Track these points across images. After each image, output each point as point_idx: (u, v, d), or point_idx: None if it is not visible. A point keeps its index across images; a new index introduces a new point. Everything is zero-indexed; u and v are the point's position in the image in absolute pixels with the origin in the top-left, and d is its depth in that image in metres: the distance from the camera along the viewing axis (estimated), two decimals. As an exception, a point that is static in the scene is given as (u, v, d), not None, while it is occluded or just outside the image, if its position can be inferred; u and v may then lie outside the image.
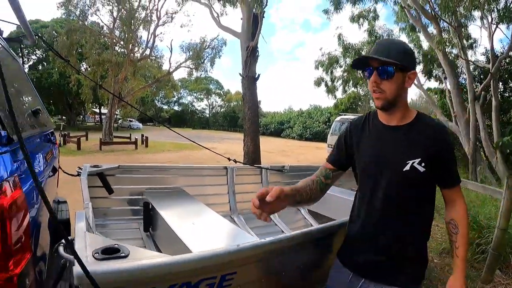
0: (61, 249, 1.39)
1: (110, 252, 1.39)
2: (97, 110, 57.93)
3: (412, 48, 1.78)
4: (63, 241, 1.40)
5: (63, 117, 51.85)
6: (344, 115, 21.04)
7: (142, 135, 26.29)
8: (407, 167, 1.67)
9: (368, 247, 1.80)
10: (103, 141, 22.81)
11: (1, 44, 2.41)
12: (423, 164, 1.66)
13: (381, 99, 1.69)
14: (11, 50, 2.88)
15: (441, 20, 11.64)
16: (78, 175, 3.30)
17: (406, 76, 1.68)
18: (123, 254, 1.40)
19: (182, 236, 2.63)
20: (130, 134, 28.58)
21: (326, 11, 15.72)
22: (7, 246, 1.19)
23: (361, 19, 16.86)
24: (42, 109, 2.80)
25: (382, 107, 1.72)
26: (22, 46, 3.66)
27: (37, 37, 3.53)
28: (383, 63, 1.64)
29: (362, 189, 1.87)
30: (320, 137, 44.50)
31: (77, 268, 1.23)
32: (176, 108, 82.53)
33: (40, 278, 1.54)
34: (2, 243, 1.18)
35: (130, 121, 55.49)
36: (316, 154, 23.88)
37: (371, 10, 16.75)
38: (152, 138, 27.39)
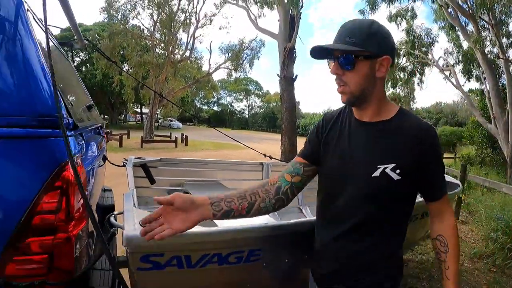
0: (112, 218, 1.64)
1: (154, 222, 1.63)
2: (138, 110, 59.44)
3: (384, 28, 1.44)
4: (114, 212, 1.66)
5: (106, 116, 53.47)
6: None
7: (182, 134, 26.91)
8: (377, 173, 1.40)
9: (327, 262, 1.59)
10: (144, 139, 23.52)
11: (56, 46, 2.71)
12: (398, 171, 1.38)
13: (346, 93, 1.44)
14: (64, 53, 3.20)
15: (480, 18, 11.41)
16: (124, 165, 3.59)
17: (376, 64, 1.40)
18: (166, 225, 1.63)
19: (218, 223, 2.84)
20: (171, 133, 29.27)
21: (362, 12, 15.68)
22: (69, 212, 1.45)
23: (398, 18, 16.68)
24: (93, 105, 3.10)
25: (348, 102, 1.48)
26: (72, 49, 3.97)
27: (86, 41, 3.82)
28: (343, 51, 1.39)
29: (325, 194, 1.62)
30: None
31: (126, 233, 1.48)
32: (215, 108, 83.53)
33: (89, 247, 1.79)
34: (65, 209, 1.44)
35: (171, 120, 56.58)
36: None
37: (409, 9, 16.55)
38: (191, 137, 27.94)
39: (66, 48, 4.03)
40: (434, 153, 1.44)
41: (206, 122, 69.42)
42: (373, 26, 1.40)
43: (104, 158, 3.14)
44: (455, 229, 1.52)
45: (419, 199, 1.58)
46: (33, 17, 1.66)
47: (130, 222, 1.60)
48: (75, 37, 3.41)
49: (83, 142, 1.92)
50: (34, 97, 1.41)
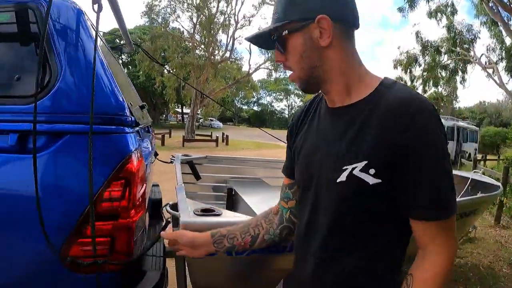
0: (168, 207, 1.79)
1: (206, 211, 1.77)
2: (179, 110, 60.44)
3: None
4: (169, 202, 1.81)
5: (148, 116, 54.56)
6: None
7: (223, 134, 27.24)
8: (342, 177, 0.99)
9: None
10: (186, 138, 24.02)
11: (108, 50, 2.90)
12: (372, 171, 0.95)
13: (295, 79, 1.14)
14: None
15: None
16: (171, 162, 3.77)
17: (311, 32, 1.04)
18: (217, 213, 1.77)
19: (261, 214, 2.96)
20: (211, 132, 29.68)
21: (401, 9, 15.51)
22: (132, 200, 1.60)
23: (438, 14, 16.40)
24: (145, 105, 3.30)
25: (304, 89, 1.15)
26: (121, 52, 4.20)
27: (134, 45, 4.03)
28: (272, 32, 1.10)
29: (299, 206, 1.29)
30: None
31: (182, 219, 1.62)
32: (255, 108, 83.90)
33: (143, 235, 1.95)
34: (127, 198, 1.59)
35: (211, 120, 57.26)
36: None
37: (449, 4, 16.25)
38: (232, 136, 28.24)
39: (122, 53, 4.25)
40: (426, 140, 0.92)
41: (246, 122, 69.80)
42: None
43: (156, 154, 3.33)
44: (439, 275, 0.96)
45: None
46: (91, 25, 1.82)
47: (185, 211, 1.74)
48: (123, 41, 3.61)
49: (139, 138, 2.09)
50: (98, 97, 1.55)
